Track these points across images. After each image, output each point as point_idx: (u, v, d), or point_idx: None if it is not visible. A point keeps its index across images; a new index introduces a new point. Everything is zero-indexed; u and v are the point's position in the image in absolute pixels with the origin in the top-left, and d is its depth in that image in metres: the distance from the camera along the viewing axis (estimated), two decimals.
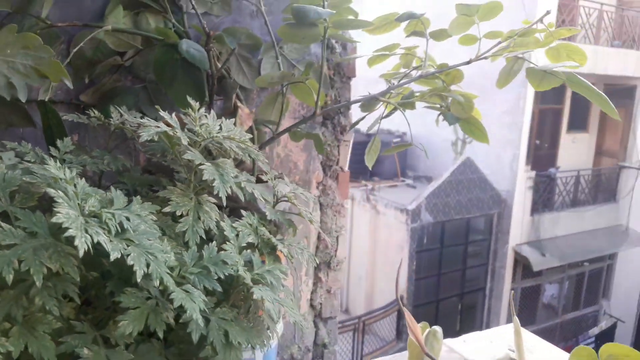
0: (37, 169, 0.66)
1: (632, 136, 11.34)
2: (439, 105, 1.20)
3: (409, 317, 1.19)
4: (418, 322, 0.94)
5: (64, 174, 0.64)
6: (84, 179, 0.68)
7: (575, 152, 10.98)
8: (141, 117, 1.01)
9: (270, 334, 0.79)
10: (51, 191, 0.59)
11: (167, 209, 0.73)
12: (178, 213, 0.74)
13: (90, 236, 0.56)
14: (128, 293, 0.63)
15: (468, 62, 1.05)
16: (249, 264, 0.77)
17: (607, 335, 10.56)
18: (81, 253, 0.54)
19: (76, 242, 0.54)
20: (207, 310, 0.67)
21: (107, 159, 0.89)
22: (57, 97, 1.06)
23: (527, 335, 1.16)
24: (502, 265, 9.85)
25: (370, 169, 1.27)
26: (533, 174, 9.67)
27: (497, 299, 10.04)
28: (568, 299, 11.04)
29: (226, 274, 0.71)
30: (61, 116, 0.94)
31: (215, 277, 0.70)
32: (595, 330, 10.70)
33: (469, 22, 1.05)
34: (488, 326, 9.71)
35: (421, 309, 9.28)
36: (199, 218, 0.77)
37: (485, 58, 1.06)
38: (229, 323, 0.70)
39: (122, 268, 0.66)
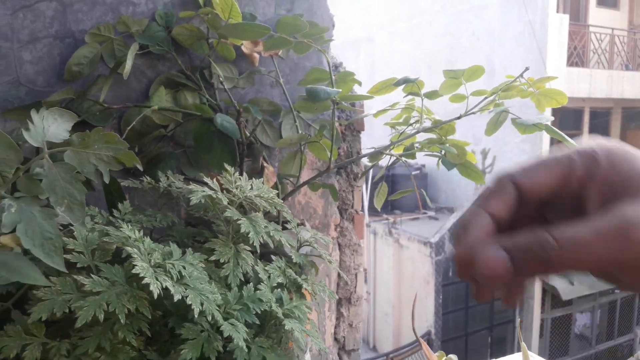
0: (112, 230, 0.84)
1: None
2: (438, 153, 1.36)
3: (426, 348, 1.32)
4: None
5: (135, 234, 0.82)
6: (148, 237, 0.85)
7: None
8: (183, 179, 1.20)
9: None
10: (128, 249, 0.76)
11: (212, 258, 0.90)
12: (221, 260, 0.91)
13: (160, 283, 0.73)
14: (187, 327, 0.79)
15: (458, 118, 1.22)
16: (279, 301, 0.93)
17: None
18: (155, 295, 0.71)
19: (151, 288, 0.71)
20: (248, 339, 0.83)
21: (159, 217, 1.07)
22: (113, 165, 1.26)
23: None
24: (530, 296, 9.72)
25: (379, 209, 1.44)
26: None
27: (528, 331, 9.86)
28: (601, 328, 10.76)
29: (262, 309, 0.87)
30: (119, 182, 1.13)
31: (254, 312, 0.86)
32: None
33: (456, 83, 1.23)
34: None
35: (450, 344, 9.18)
36: (238, 264, 0.94)
37: (474, 113, 1.23)
38: (266, 350, 0.85)
39: (179, 307, 0.83)
